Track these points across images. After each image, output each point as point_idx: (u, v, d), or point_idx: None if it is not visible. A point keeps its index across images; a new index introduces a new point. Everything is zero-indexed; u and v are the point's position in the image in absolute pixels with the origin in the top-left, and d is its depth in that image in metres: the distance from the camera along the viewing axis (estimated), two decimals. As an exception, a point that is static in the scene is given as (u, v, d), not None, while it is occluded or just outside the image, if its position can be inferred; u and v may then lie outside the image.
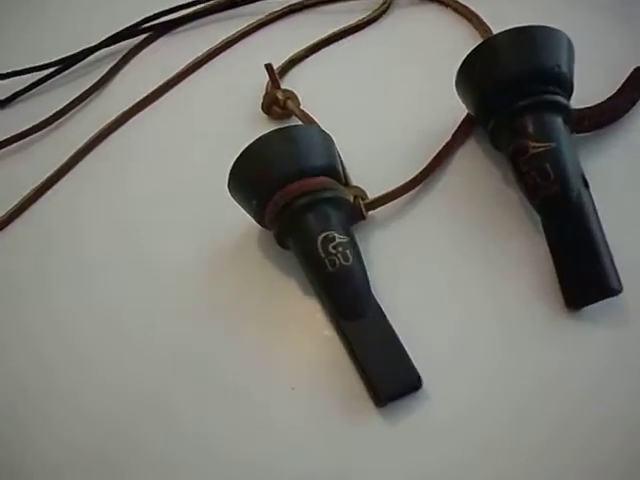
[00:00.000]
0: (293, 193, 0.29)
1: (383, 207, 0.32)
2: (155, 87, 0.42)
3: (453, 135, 0.33)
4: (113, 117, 0.41)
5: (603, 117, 0.31)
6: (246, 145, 0.29)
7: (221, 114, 0.39)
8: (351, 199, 0.31)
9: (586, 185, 0.28)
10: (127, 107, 0.41)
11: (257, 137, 0.29)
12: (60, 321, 0.32)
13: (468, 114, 0.33)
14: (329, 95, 0.38)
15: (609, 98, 0.32)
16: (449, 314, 0.29)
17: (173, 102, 0.42)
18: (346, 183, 0.32)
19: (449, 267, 0.30)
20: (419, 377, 0.26)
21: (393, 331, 0.27)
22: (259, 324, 0.30)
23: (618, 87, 0.32)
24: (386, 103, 0.37)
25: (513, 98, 0.29)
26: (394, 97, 0.37)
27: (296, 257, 0.29)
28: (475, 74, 0.30)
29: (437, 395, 0.26)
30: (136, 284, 0.33)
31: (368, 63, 0.40)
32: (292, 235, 0.29)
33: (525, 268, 0.29)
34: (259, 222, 0.31)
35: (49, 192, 0.38)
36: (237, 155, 0.30)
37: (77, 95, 0.42)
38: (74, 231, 0.36)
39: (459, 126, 0.34)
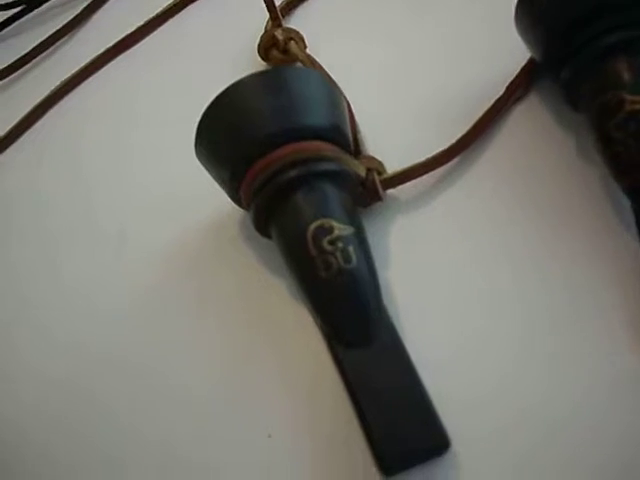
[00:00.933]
0: (278, 162, 0.20)
1: (407, 185, 0.23)
2: (133, 29, 0.34)
3: (507, 89, 0.24)
4: (82, 64, 0.33)
5: None
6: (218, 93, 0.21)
7: (209, 61, 0.31)
8: (362, 173, 0.22)
9: None
10: (98, 53, 0.33)
11: (233, 82, 0.21)
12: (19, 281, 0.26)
13: (530, 60, 0.24)
14: (345, 40, 0.30)
15: None
16: (493, 340, 0.20)
17: (153, 47, 0.34)
18: (357, 152, 0.24)
19: (495, 272, 0.22)
20: (446, 437, 0.18)
21: (412, 366, 0.19)
22: (230, 339, 0.22)
23: None
24: (417, 51, 0.28)
25: (602, 31, 0.20)
26: (427, 43, 0.28)
27: (279, 253, 0.21)
28: (542, 3, 0.21)
29: (472, 465, 0.18)
30: (95, 261, 0.26)
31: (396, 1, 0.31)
32: (274, 221, 0.21)
33: (604, 278, 0.20)
34: (235, 200, 0.23)
35: (8, 150, 0.31)
36: (205, 107, 0.22)
37: (44, 39, 0.35)
38: (33, 199, 0.29)
39: (516, 77, 0.25)
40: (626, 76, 0.20)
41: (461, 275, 0.22)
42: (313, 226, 0.20)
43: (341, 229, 0.20)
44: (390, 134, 0.25)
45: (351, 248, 0.19)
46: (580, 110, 0.21)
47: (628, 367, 0.19)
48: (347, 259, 0.19)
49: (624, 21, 0.20)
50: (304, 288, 0.20)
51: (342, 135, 0.22)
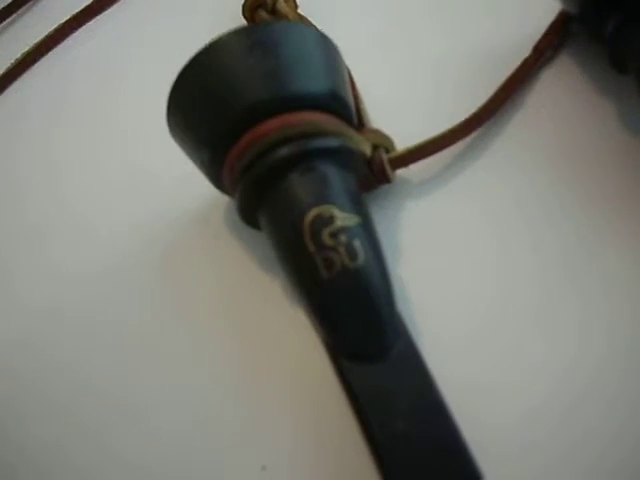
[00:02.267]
0: (266, 138, 0.17)
1: (421, 164, 0.20)
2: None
3: (535, 48, 0.21)
4: (43, 35, 0.29)
5: None
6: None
7: (187, 24, 0.27)
8: (368, 151, 0.19)
9: None
10: (57, 25, 0.29)
11: (209, 42, 0.17)
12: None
13: (562, 14, 0.21)
14: (344, 2, 0.26)
15: None
16: (530, 357, 0.17)
17: (123, 13, 0.30)
18: (360, 125, 0.20)
19: (521, 263, 0.18)
20: (477, 471, 0.15)
21: (432, 383, 0.16)
22: (212, 349, 0.19)
23: None
24: (428, 6, 0.24)
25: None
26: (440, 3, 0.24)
27: (270, 247, 0.18)
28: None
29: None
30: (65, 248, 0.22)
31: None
32: (264, 210, 0.17)
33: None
34: (216, 185, 0.19)
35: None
36: (176, 74, 0.18)
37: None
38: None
39: (544, 35, 0.21)
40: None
41: (484, 268, 0.19)
42: (310, 215, 0.16)
43: (344, 219, 0.16)
44: (398, 105, 0.22)
45: (357, 242, 0.16)
46: (629, 71, 0.18)
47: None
48: (352, 255, 0.16)
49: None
50: (302, 291, 0.16)
51: (344, 105, 0.18)
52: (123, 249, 0.22)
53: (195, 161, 0.19)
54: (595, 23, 0.18)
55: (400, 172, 0.20)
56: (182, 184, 0.22)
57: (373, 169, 0.19)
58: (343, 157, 0.18)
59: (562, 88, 0.21)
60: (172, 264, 0.21)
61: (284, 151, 0.17)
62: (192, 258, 0.21)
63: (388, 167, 0.19)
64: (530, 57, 0.21)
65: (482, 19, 0.23)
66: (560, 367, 0.17)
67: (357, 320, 0.16)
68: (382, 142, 0.19)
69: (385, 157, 0.19)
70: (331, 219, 0.16)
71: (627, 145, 0.19)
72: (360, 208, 0.17)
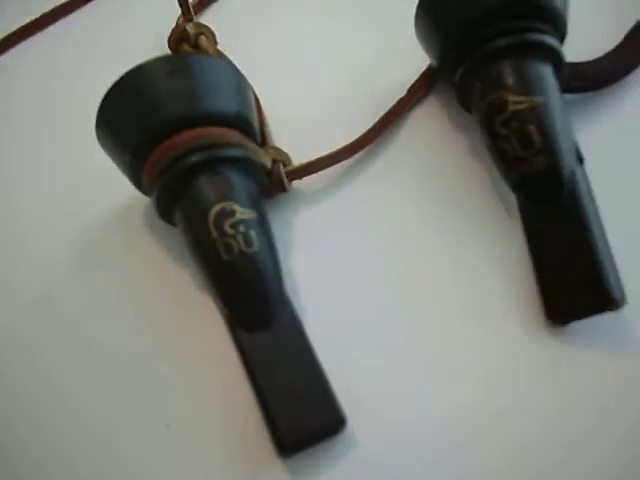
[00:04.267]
0: (180, 147, 0.20)
1: (313, 177, 0.24)
2: (36, 17, 0.33)
3: (409, 90, 0.26)
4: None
5: (599, 77, 0.24)
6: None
7: (119, 54, 0.30)
8: (268, 163, 0.23)
9: (580, 161, 0.21)
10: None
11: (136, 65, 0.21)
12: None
13: (430, 65, 0.26)
14: (258, 38, 0.30)
15: (607, 55, 0.25)
16: (392, 325, 0.21)
17: (57, 35, 0.32)
18: (263, 143, 0.24)
19: (394, 262, 0.23)
20: (342, 415, 0.18)
21: (310, 348, 0.19)
22: (134, 329, 0.22)
23: (618, 43, 0.25)
24: (328, 51, 0.29)
25: (487, 37, 0.21)
26: (339, 44, 0.29)
27: (183, 239, 0.21)
28: (437, 8, 0.23)
29: (368, 441, 0.19)
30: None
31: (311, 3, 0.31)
32: (178, 207, 0.21)
33: (494, 268, 0.22)
34: (137, 186, 0.22)
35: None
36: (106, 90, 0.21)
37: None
38: None
39: (416, 80, 0.26)
40: (510, 78, 0.21)
41: (361, 264, 0.23)
42: (215, 209, 0.20)
43: (243, 213, 0.20)
44: (298, 129, 0.26)
45: (253, 232, 0.20)
46: (472, 111, 0.23)
47: (514, 348, 0.20)
48: (249, 243, 0.19)
49: (509, 27, 0.21)
50: (206, 272, 0.20)
51: (248, 124, 0.22)
52: (50, 243, 0.24)
53: (118, 164, 0.22)
54: (449, 73, 0.23)
55: (296, 183, 0.24)
56: (106, 190, 0.25)
57: (272, 179, 0.23)
58: (245, 166, 0.21)
59: (429, 123, 0.26)
60: (101, 257, 0.23)
61: (194, 159, 0.20)
62: (116, 252, 0.24)
63: (285, 178, 0.23)
64: (404, 97, 0.26)
65: (372, 64, 0.28)
66: (419, 330, 0.21)
67: (250, 295, 0.19)
68: (281, 157, 0.23)
69: (283, 170, 0.23)
70: (232, 213, 0.20)
71: (475, 168, 0.24)
72: (257, 207, 0.21)
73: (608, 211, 0.20)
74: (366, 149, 0.25)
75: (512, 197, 0.22)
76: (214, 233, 0.19)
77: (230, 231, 0.19)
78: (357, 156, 0.25)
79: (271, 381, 0.19)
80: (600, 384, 0.19)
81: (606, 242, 0.20)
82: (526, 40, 0.21)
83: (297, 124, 0.26)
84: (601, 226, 0.20)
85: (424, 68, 0.26)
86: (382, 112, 0.25)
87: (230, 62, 0.24)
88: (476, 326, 0.21)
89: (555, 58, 0.22)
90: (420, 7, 0.23)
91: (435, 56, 0.24)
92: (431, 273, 0.22)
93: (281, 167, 0.23)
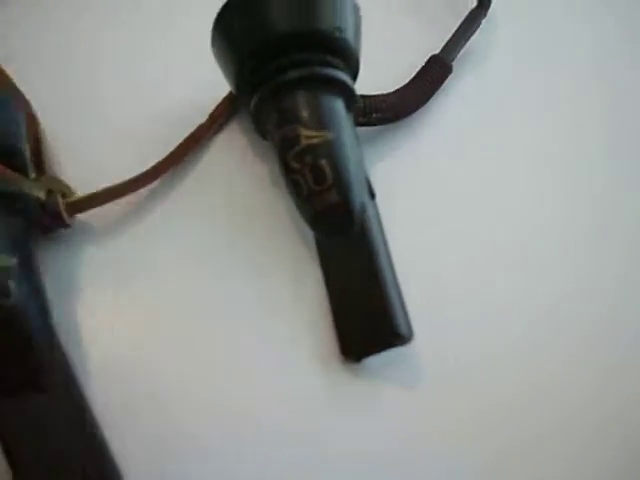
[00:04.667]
0: None
1: (100, 211, 0.22)
2: None
3: (210, 116, 0.24)
4: None
5: (393, 110, 0.25)
6: None
7: None
8: (42, 195, 0.20)
9: (372, 196, 0.21)
10: None
11: None
12: None
13: (231, 92, 0.25)
14: (34, 51, 0.27)
15: (402, 88, 0.26)
16: (179, 358, 0.20)
17: None
18: (40, 173, 0.21)
19: (187, 301, 0.21)
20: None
21: (86, 411, 0.17)
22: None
23: (412, 77, 0.26)
24: (122, 73, 0.26)
25: (280, 67, 0.21)
26: (134, 66, 0.27)
27: None
28: (230, 34, 0.22)
29: None
30: None
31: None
32: None
33: (291, 304, 0.21)
34: None
35: None
36: None
37: None
38: None
39: (218, 105, 0.25)
40: (303, 111, 0.21)
41: (154, 301, 0.21)
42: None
43: (2, 260, 0.17)
44: (84, 156, 0.23)
45: (11, 283, 0.17)
46: (268, 139, 0.22)
47: (308, 384, 0.20)
48: (6, 294, 0.17)
49: (301, 59, 0.21)
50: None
51: (13, 153, 0.19)
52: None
53: None
54: (245, 101, 0.22)
55: (84, 217, 0.22)
56: None
57: (48, 213, 0.20)
58: (8, 201, 0.18)
59: (231, 150, 0.25)
60: None
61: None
62: None
63: (64, 211, 0.21)
64: (205, 123, 0.24)
65: (171, 85, 0.26)
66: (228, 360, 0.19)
67: (9, 357, 0.17)
68: (58, 188, 0.21)
69: (61, 202, 0.21)
70: None
71: (278, 199, 0.23)
72: (21, 249, 0.18)
73: (397, 246, 0.21)
74: (160, 179, 0.23)
75: (309, 230, 0.22)
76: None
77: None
78: (151, 186, 0.23)
79: (33, 455, 0.16)
80: (394, 416, 0.19)
81: (394, 277, 0.20)
82: (317, 74, 0.21)
83: (83, 151, 0.24)
84: (390, 261, 0.20)
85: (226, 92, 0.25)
86: (180, 139, 0.24)
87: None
88: (271, 363, 0.20)
89: (348, 93, 0.22)
90: (214, 30, 0.22)
91: (231, 82, 0.23)
92: (227, 309, 0.21)
93: (59, 198, 0.21)
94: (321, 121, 0.21)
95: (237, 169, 0.24)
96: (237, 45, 0.22)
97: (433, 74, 0.26)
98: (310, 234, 0.21)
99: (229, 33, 0.22)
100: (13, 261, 0.17)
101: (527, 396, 0.20)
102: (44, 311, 0.18)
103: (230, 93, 0.25)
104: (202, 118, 0.24)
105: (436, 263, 0.22)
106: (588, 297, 0.21)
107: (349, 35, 0.22)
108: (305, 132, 0.20)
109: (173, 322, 0.21)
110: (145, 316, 0.21)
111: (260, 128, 0.22)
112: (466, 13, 0.26)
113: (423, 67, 0.26)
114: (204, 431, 0.19)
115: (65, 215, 0.21)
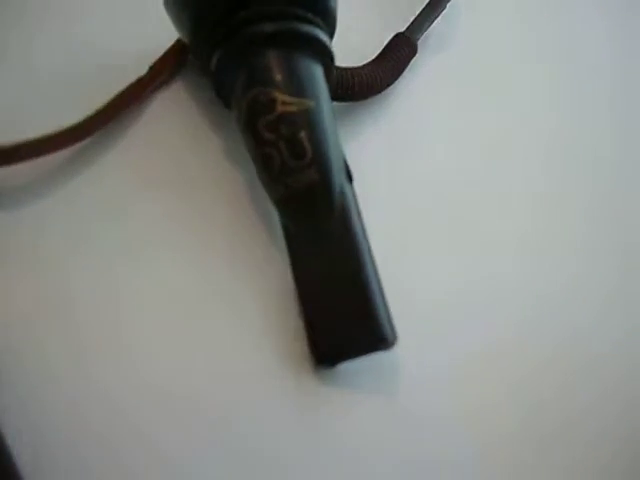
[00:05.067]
0: None
1: (19, 169, 0.17)
2: None
3: (151, 68, 0.20)
4: None
5: (363, 87, 0.22)
6: None
7: None
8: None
9: (350, 179, 0.18)
10: None
11: None
12: None
13: (178, 40, 0.21)
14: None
15: (370, 64, 0.23)
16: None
17: None
18: None
19: (132, 288, 0.17)
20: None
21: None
22: None
23: (378, 54, 0.24)
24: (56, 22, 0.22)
25: (250, 18, 0.18)
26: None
27: None
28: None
29: None
30: None
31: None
32: None
33: (252, 300, 0.18)
34: None
35: None
36: None
37: None
38: None
39: (161, 58, 0.21)
40: (278, 73, 0.18)
41: (82, 285, 0.17)
42: None
43: None
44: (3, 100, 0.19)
45: None
46: (231, 106, 0.19)
47: (277, 391, 0.17)
48: None
49: (279, 11, 0.18)
50: None
51: None
52: None
53: None
54: (203, 58, 0.19)
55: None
56: None
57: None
58: None
59: (175, 113, 0.21)
60: None
61: None
62: None
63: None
64: (144, 77, 0.20)
65: (109, 27, 0.22)
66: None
67: None
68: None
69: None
70: None
71: (230, 172, 0.20)
72: None
73: (375, 236, 0.18)
74: (90, 138, 0.19)
75: (275, 214, 0.18)
76: None
77: None
78: (80, 145, 0.19)
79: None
80: (371, 423, 0.17)
81: (377, 274, 0.17)
82: (297, 30, 0.18)
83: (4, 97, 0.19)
84: (371, 255, 0.18)
85: (172, 42, 0.21)
86: (114, 92, 0.19)
87: None
88: (233, 365, 0.17)
89: (326, 57, 0.19)
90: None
91: (187, 31, 0.19)
92: (178, 301, 0.18)
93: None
94: (301, 86, 0.18)
95: (180, 137, 0.20)
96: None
97: (400, 53, 0.24)
98: (275, 217, 0.18)
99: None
100: None
101: (511, 398, 0.18)
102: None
103: (177, 43, 0.21)
104: (142, 69, 0.20)
105: (411, 253, 0.20)
106: (574, 298, 0.20)
107: (330, -7, 0.19)
108: (282, 97, 0.17)
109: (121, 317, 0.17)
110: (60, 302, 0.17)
111: (221, 90, 0.19)
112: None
113: (389, 45, 0.24)
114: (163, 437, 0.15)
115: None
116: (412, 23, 0.24)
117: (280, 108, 0.17)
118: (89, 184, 0.19)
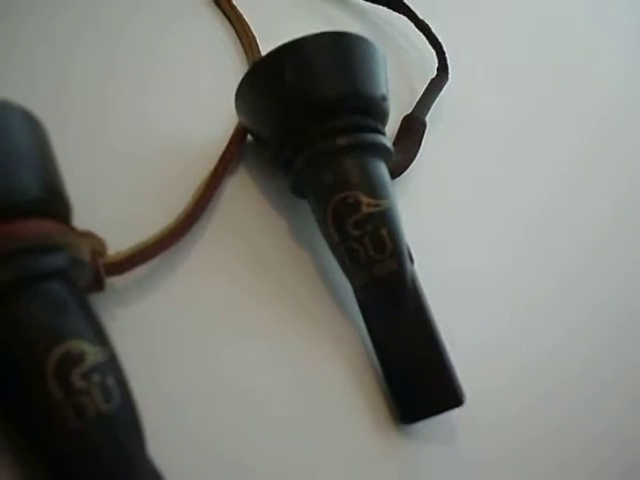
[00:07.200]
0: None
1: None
2: None
3: (220, 160, 0.23)
4: None
5: (397, 169, 0.25)
6: None
7: None
8: (87, 256, 0.17)
9: (412, 261, 0.22)
10: None
11: None
12: None
13: (238, 128, 0.23)
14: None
15: (397, 146, 0.26)
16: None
17: None
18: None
19: (222, 360, 0.20)
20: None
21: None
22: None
23: (396, 136, 0.27)
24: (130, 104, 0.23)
25: (329, 131, 0.21)
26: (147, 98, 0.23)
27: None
28: (280, 81, 0.21)
29: None
30: None
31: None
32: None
33: (335, 369, 0.21)
34: None
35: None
36: None
37: None
38: None
39: (228, 146, 0.23)
40: (361, 178, 0.21)
41: (192, 371, 0.19)
42: (56, 356, 0.13)
43: (94, 352, 0.14)
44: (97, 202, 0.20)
45: (110, 380, 0.14)
46: (310, 201, 0.21)
47: (365, 450, 0.20)
48: (107, 397, 0.14)
49: (354, 123, 0.21)
50: (39, 452, 0.13)
51: (62, 201, 0.16)
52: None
53: None
54: (278, 155, 0.21)
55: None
56: None
57: (92, 277, 0.17)
58: (73, 273, 0.15)
59: (246, 199, 0.23)
60: None
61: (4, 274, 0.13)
62: None
63: (103, 275, 0.17)
64: (218, 166, 0.22)
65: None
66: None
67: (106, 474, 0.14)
68: (97, 247, 0.18)
69: (101, 264, 0.17)
70: (81, 356, 0.14)
71: (303, 256, 0.23)
72: (104, 337, 0.15)
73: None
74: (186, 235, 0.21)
75: (345, 290, 0.22)
76: (57, 392, 0.13)
77: (82, 385, 0.13)
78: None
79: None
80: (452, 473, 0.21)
81: (443, 342, 0.21)
82: (368, 141, 0.21)
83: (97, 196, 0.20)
84: (436, 324, 0.21)
85: (231, 131, 0.23)
86: (185, 184, 0.22)
87: (20, 108, 0.16)
88: (325, 432, 0.20)
89: (387, 154, 0.22)
90: (254, 74, 0.21)
91: (263, 128, 0.22)
92: (269, 376, 0.20)
93: (99, 260, 0.17)
94: (379, 189, 0.21)
95: (255, 222, 0.23)
96: (279, 96, 0.21)
97: (417, 132, 0.27)
98: (341, 292, 0.21)
99: (273, 80, 0.21)
100: (104, 351, 0.14)
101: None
102: (135, 414, 0.15)
103: (239, 130, 0.23)
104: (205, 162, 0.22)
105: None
106: (573, 295, 0.25)
107: (388, 101, 0.22)
108: (366, 200, 0.20)
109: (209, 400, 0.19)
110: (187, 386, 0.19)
111: (299, 187, 0.22)
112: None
113: (405, 127, 0.27)
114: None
115: (104, 279, 0.18)
116: (418, 103, 0.28)
117: (365, 209, 0.20)
118: (183, 277, 0.21)
